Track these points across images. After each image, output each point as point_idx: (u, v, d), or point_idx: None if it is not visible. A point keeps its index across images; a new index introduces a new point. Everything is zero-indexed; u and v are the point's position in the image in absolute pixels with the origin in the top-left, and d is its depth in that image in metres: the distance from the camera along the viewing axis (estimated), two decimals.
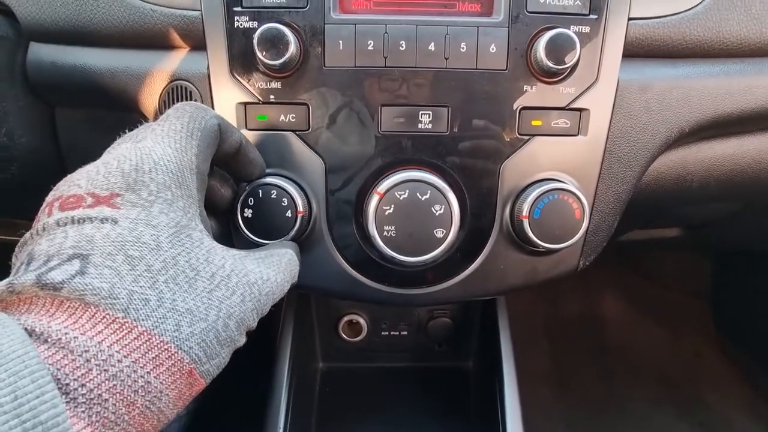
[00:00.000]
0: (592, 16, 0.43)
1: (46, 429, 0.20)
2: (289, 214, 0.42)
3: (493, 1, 0.42)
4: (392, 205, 0.42)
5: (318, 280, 0.48)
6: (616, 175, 0.47)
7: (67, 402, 0.22)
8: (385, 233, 0.42)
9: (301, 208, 0.42)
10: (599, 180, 0.46)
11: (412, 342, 0.71)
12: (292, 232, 0.43)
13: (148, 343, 0.24)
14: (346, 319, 0.69)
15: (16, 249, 0.27)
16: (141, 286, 0.25)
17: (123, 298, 0.24)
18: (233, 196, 0.42)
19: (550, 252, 0.47)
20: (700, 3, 0.45)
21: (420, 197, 0.42)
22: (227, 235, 0.44)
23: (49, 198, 0.29)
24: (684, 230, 0.80)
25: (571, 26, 0.42)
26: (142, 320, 0.24)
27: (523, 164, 0.45)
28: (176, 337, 0.25)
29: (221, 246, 0.30)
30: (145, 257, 0.26)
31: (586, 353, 1.16)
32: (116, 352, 0.23)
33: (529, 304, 1.19)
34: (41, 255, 0.25)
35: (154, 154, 0.29)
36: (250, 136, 0.44)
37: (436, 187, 0.42)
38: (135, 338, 0.24)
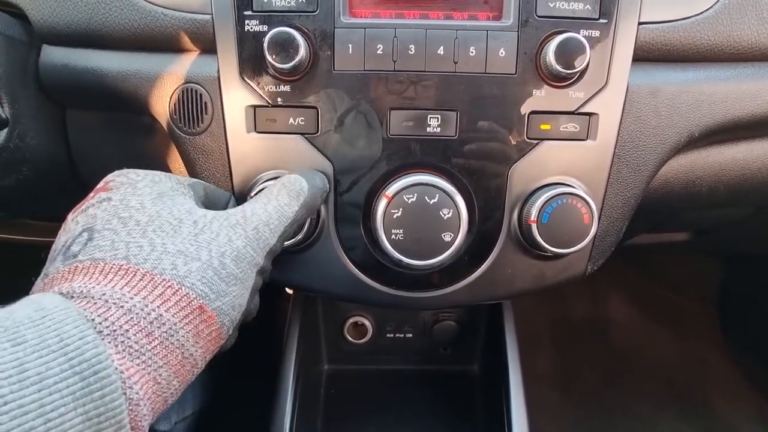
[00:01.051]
0: (602, 21, 0.43)
1: (90, 365, 0.23)
2: None
3: (502, 5, 0.42)
4: (400, 209, 0.42)
5: (325, 282, 0.48)
6: (625, 179, 0.47)
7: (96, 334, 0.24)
8: (393, 236, 0.43)
9: None
10: (608, 184, 0.46)
11: (417, 345, 0.71)
12: (300, 235, 0.43)
13: (152, 282, 0.27)
14: (351, 320, 0.69)
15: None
16: (134, 237, 0.29)
17: (122, 249, 0.28)
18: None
19: (558, 256, 0.47)
20: (711, 7, 0.44)
21: (428, 201, 0.42)
22: None
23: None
24: (693, 234, 0.79)
25: (581, 30, 0.42)
26: (142, 263, 0.28)
27: (532, 168, 0.45)
28: (175, 274, 0.28)
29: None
30: (134, 216, 0.30)
31: (592, 356, 1.15)
32: (126, 292, 0.27)
33: (535, 305, 1.19)
34: (60, 243, 0.30)
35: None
36: (259, 139, 0.44)
37: (445, 191, 0.42)
38: (140, 279, 0.27)
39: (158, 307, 0.27)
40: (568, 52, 0.41)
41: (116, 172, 0.35)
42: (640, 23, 0.43)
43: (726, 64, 0.46)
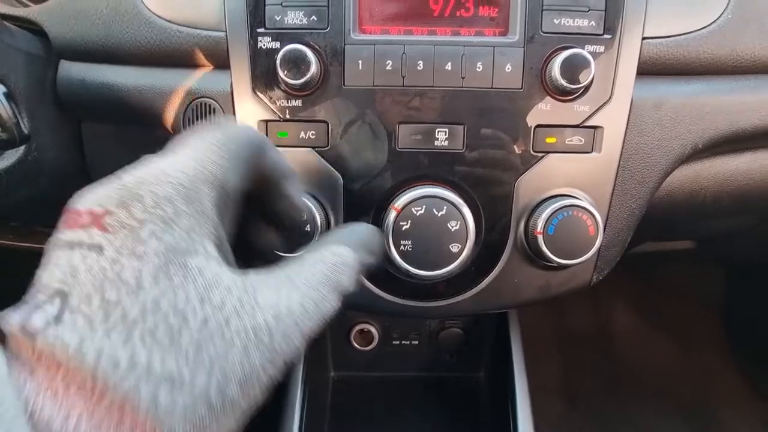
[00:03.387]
0: (606, 36, 0.43)
1: None
2: (308, 228, 0.43)
3: (508, 21, 0.43)
4: (409, 221, 0.43)
5: None
6: (630, 191, 0.47)
7: None
8: (402, 248, 0.43)
9: (319, 223, 0.44)
10: (613, 196, 0.47)
11: (423, 352, 0.72)
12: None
13: (118, 416, 0.19)
14: (357, 328, 0.70)
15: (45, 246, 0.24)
16: (112, 342, 0.20)
17: (91, 356, 0.20)
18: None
19: (563, 267, 0.47)
20: (715, 21, 0.45)
21: (436, 213, 0.43)
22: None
23: (67, 205, 0.25)
24: (697, 243, 0.79)
25: (586, 46, 0.43)
26: (112, 388, 0.19)
27: (538, 181, 0.45)
28: (154, 413, 0.20)
29: (232, 274, 0.24)
30: (122, 301, 0.21)
31: (595, 365, 1.15)
32: (83, 423, 0.19)
33: (538, 314, 1.19)
34: (38, 282, 0.22)
35: (164, 163, 0.25)
36: None
37: (452, 203, 0.43)
38: (106, 410, 0.19)
39: None
40: (573, 68, 0.41)
41: (119, 185, 0.24)
42: (643, 38, 0.44)
43: (729, 77, 0.47)
